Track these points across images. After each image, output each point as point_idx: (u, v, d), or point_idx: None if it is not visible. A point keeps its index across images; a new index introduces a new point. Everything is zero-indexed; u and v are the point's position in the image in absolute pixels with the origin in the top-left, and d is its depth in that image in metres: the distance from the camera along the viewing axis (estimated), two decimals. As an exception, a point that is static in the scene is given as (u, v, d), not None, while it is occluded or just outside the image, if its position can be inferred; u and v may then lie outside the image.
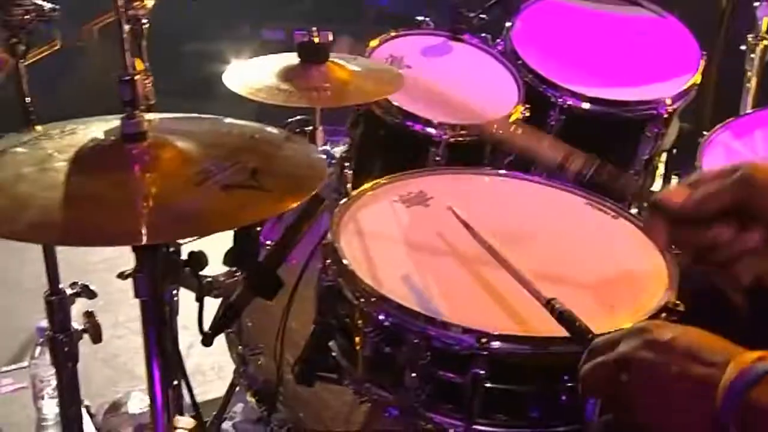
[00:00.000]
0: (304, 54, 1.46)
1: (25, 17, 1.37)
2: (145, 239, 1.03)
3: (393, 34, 1.89)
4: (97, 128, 1.23)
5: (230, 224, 1.10)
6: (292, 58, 1.49)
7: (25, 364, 2.37)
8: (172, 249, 1.24)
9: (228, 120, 1.30)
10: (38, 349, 2.03)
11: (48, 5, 1.37)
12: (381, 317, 1.25)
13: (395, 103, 1.70)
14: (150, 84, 1.12)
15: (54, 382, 2.05)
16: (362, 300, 1.27)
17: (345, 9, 4.25)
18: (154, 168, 1.11)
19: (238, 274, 1.77)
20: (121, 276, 1.73)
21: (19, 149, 1.18)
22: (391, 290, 1.26)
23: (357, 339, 1.32)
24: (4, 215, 1.01)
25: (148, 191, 1.08)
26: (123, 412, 2.27)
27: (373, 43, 1.83)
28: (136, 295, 1.21)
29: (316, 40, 1.46)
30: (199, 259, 1.25)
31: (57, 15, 1.41)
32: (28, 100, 1.47)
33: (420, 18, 1.94)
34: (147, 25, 1.55)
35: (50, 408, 2.05)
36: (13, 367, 2.44)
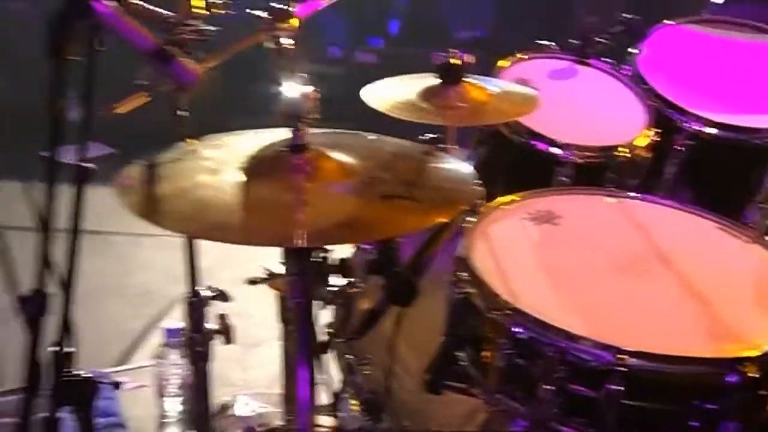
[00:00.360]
0: (443, 74, 1.53)
1: (187, 38, 1.47)
2: (304, 242, 1.11)
3: (520, 56, 1.94)
4: (251, 140, 1.33)
5: (388, 233, 1.16)
6: (430, 79, 1.56)
7: (143, 363, 2.51)
8: (321, 255, 1.32)
9: (372, 135, 1.37)
10: (164, 349, 2.14)
11: (210, 28, 1.48)
12: (516, 330, 1.29)
13: (523, 123, 1.75)
14: (316, 100, 1.20)
15: (176, 381, 2.17)
16: (496, 312, 1.31)
17: (432, 33, 4.33)
18: (316, 177, 1.19)
19: (359, 284, 1.83)
20: (252, 282, 1.83)
21: (187, 159, 1.28)
22: (527, 304, 1.30)
23: (489, 350, 1.36)
24: (189, 217, 1.11)
25: (310, 198, 1.17)
26: (230, 414, 2.36)
27: (504, 63, 1.88)
28: (291, 298, 1.29)
29: (454, 61, 1.52)
30: (348, 266, 1.32)
31: (214, 37, 1.51)
32: (184, 114, 1.57)
33: (544, 42, 1.98)
34: (292, 45, 1.64)
35: (172, 405, 2.16)
36: (129, 366, 2.57)
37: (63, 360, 1.30)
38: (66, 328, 1.29)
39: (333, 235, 1.14)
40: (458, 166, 1.26)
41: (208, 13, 1.45)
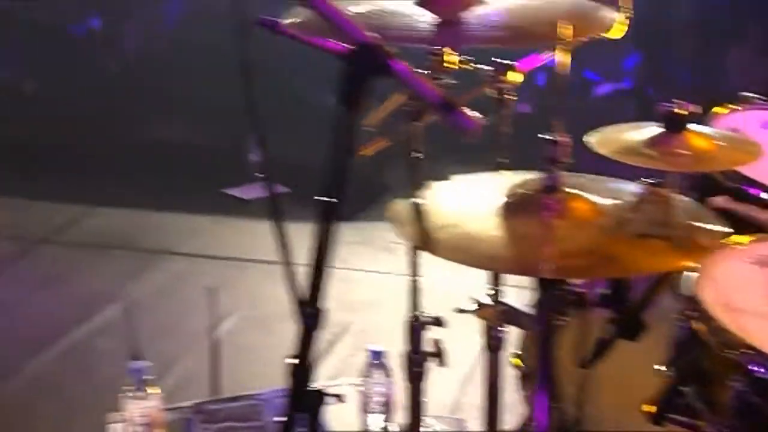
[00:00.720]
0: (667, 123, 1.63)
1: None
2: (553, 274, 1.24)
3: (733, 106, 2.01)
4: (499, 181, 1.49)
5: (640, 269, 1.27)
6: (654, 127, 1.67)
7: (337, 382, 2.71)
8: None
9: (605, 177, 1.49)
10: (369, 369, 2.32)
11: (452, 81, 1.65)
12: (753, 368, 1.35)
13: (736, 169, 1.81)
14: (568, 146, 1.33)
15: (379, 399, 2.34)
16: (731, 350, 1.38)
17: (576, 84, 4.39)
18: (567, 215, 1.32)
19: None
20: (461, 311, 1.97)
21: (444, 197, 1.46)
22: (761, 343, 1.36)
23: (719, 386, 1.42)
24: (464, 247, 1.26)
25: (561, 234, 1.30)
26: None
27: (720, 111, 1.96)
28: (534, 326, 1.41)
29: (679, 110, 1.62)
30: (585, 299, 1.43)
31: (451, 85, 1.68)
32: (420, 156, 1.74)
33: (750, 94, 2.04)
34: (514, 98, 1.80)
35: (375, 421, 2.33)
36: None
37: (301, 372, 1.46)
38: (305, 344, 1.46)
39: (582, 269, 1.26)
40: (699, 207, 1.35)
41: (456, 68, 1.62)
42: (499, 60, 1.77)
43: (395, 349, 2.85)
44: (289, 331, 3.26)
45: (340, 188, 1.26)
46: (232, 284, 3.37)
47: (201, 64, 4.74)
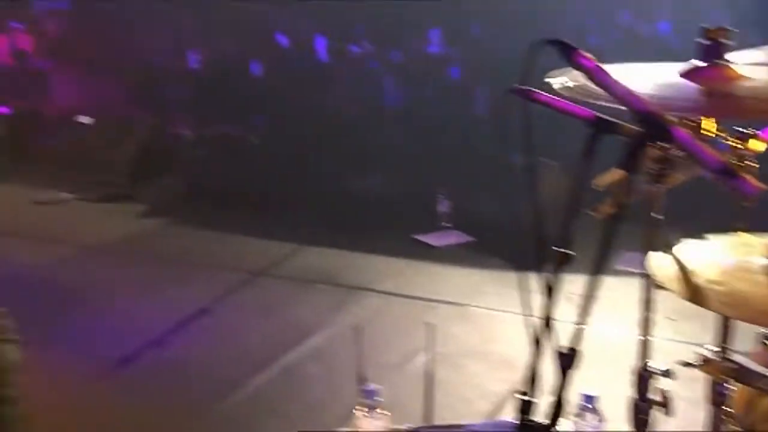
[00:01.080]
0: None
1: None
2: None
3: None
4: (746, 242, 1.57)
5: None
6: None
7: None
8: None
9: None
10: (582, 412, 2.41)
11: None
12: None
13: None
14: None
15: (589, 442, 2.41)
16: None
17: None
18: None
19: None
20: (686, 365, 2.02)
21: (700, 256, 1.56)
22: None
23: None
24: (733, 302, 1.37)
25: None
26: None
27: None
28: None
29: None
30: None
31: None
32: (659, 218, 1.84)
33: None
34: (755, 166, 1.86)
35: (584, 463, 2.40)
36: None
37: (527, 407, 1.56)
38: (533, 382, 1.56)
39: None
40: None
41: (713, 136, 1.72)
42: (742, 128, 1.86)
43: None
44: (473, 369, 3.40)
45: (606, 249, 1.36)
46: (420, 322, 3.57)
47: (395, 125, 5.17)
